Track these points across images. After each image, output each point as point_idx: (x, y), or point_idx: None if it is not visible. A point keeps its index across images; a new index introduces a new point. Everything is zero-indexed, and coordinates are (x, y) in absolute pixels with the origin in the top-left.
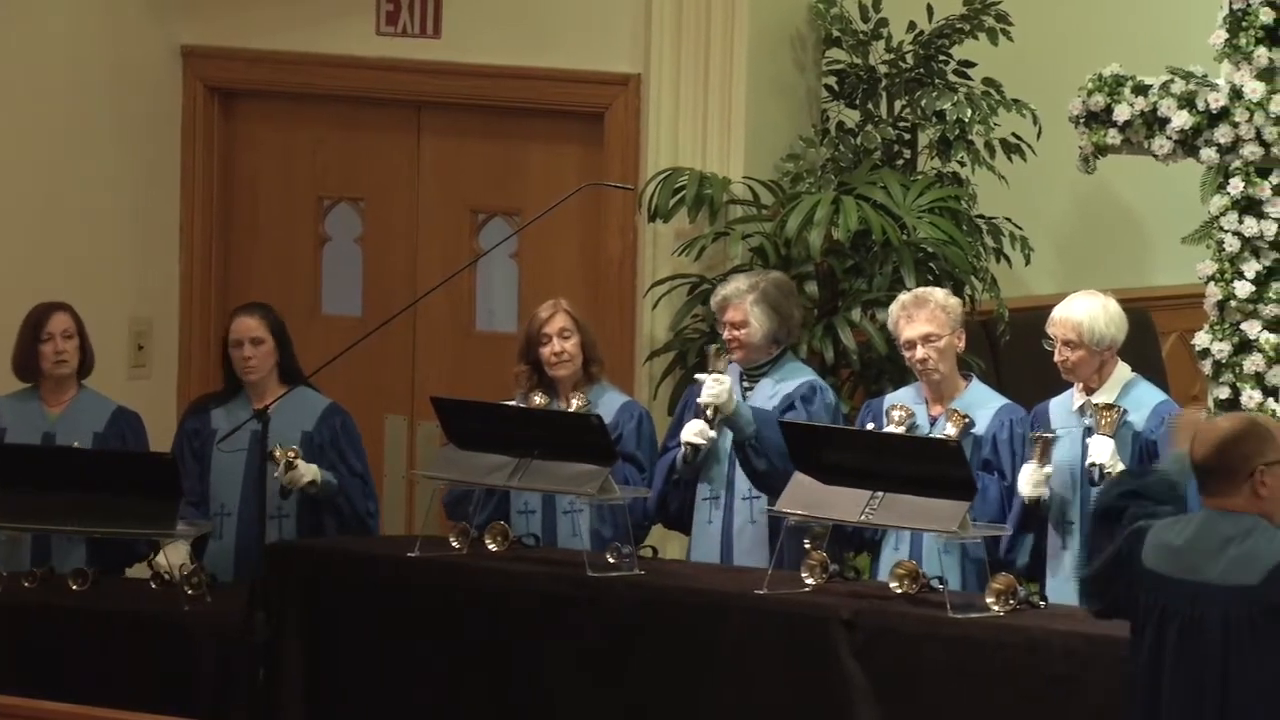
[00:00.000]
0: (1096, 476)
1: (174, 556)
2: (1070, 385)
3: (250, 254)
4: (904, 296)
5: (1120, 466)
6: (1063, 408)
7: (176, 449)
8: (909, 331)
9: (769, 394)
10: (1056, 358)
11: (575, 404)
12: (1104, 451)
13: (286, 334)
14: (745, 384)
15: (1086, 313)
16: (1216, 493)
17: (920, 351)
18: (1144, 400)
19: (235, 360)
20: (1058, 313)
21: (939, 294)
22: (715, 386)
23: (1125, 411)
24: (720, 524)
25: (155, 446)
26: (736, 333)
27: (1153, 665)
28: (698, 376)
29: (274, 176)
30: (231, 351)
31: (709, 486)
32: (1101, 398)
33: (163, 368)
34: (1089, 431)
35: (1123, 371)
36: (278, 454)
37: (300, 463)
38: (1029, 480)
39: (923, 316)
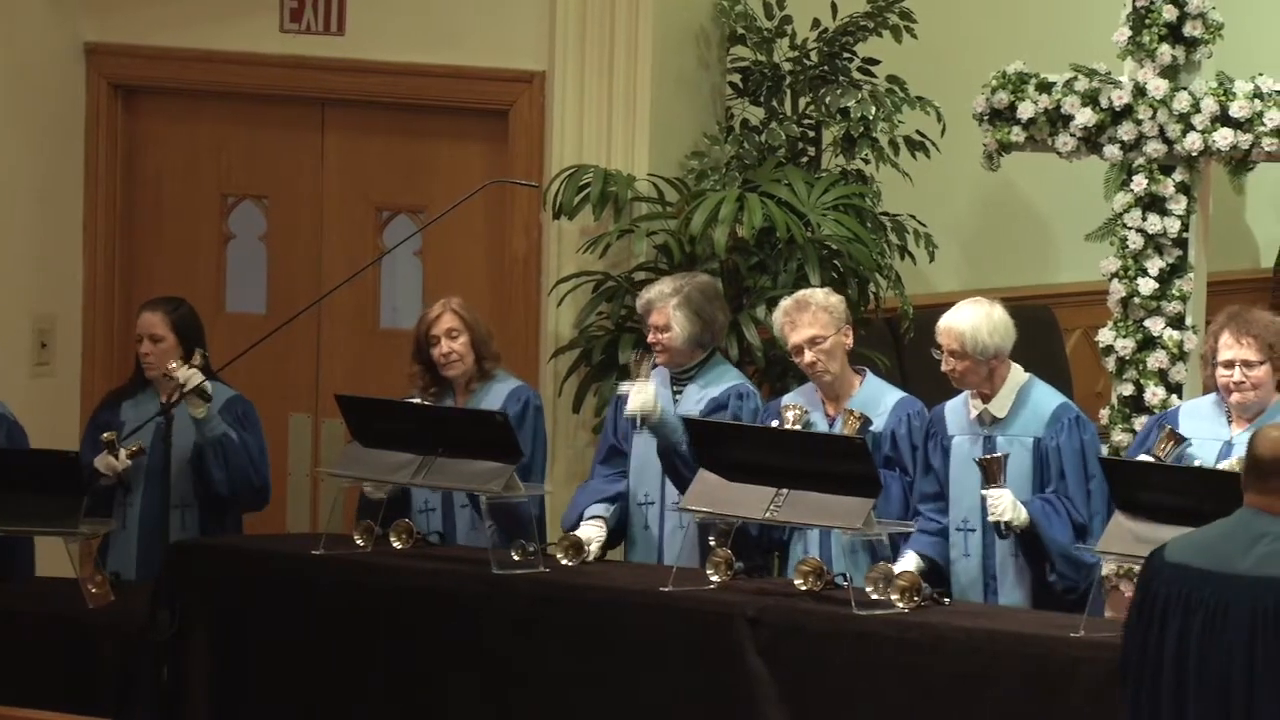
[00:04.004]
0: (1003, 530)
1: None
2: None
3: (154, 251)
4: (785, 302)
5: (1023, 514)
6: (956, 413)
7: (87, 441)
8: (794, 337)
9: (696, 398)
10: (944, 367)
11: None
12: (1004, 507)
13: (194, 330)
14: (675, 388)
15: (969, 322)
16: (1269, 491)
17: (808, 355)
18: (1040, 406)
19: (138, 355)
20: (942, 322)
21: (819, 295)
22: (639, 397)
23: (1007, 457)
24: (656, 530)
25: (58, 444)
26: (660, 336)
27: (1179, 656)
28: (621, 388)
29: (178, 174)
30: (136, 346)
31: (644, 490)
32: (997, 406)
33: (66, 365)
34: (989, 440)
35: (1016, 376)
36: (173, 366)
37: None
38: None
39: (805, 320)
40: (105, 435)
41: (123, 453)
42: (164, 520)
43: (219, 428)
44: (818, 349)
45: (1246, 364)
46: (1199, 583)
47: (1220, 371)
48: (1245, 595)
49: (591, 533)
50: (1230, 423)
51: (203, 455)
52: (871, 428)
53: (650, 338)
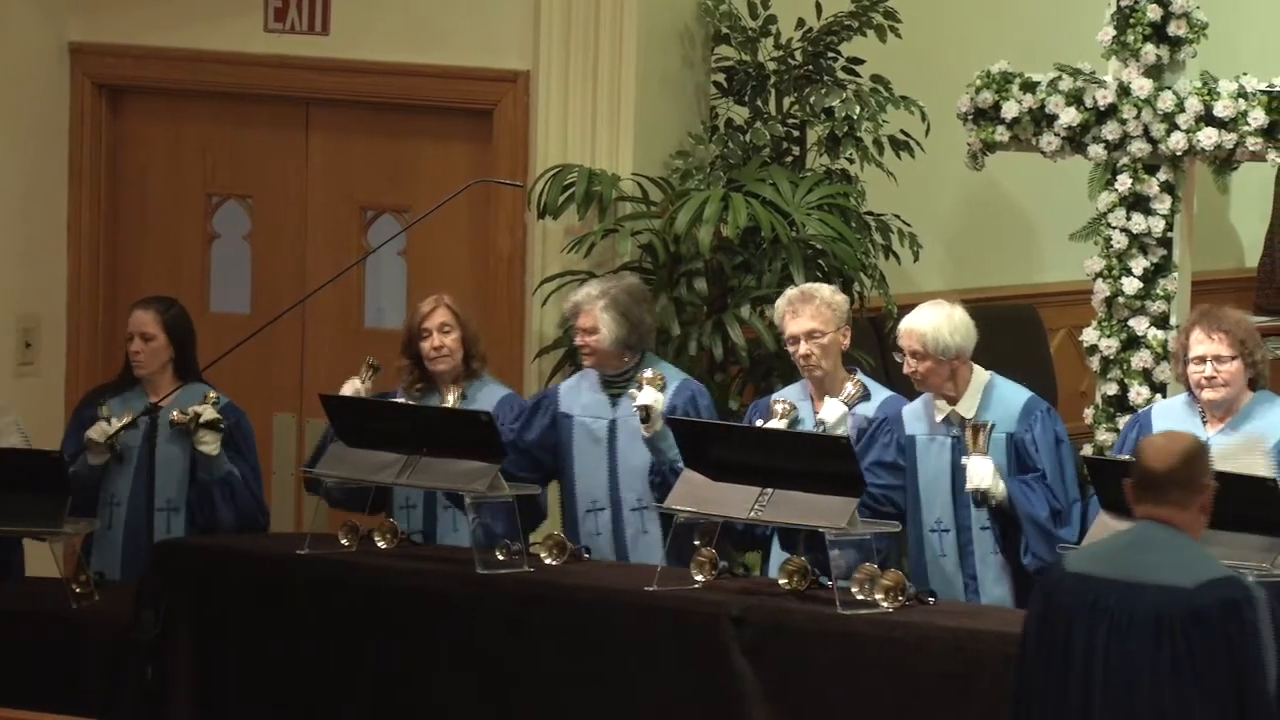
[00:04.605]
0: (979, 500)
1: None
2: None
3: (139, 251)
4: (790, 292)
5: (1002, 486)
6: (916, 415)
7: (70, 435)
8: (793, 327)
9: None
10: (906, 369)
11: (451, 399)
12: (984, 475)
13: (185, 332)
14: (612, 391)
15: (930, 323)
16: (1168, 503)
17: (804, 347)
18: (1009, 402)
19: (128, 352)
20: (903, 324)
21: (825, 291)
22: (649, 393)
23: (994, 426)
24: (610, 535)
25: (43, 444)
26: (587, 339)
27: (1085, 663)
28: (638, 397)
29: (162, 173)
30: (126, 343)
31: (590, 498)
32: (964, 407)
33: (51, 365)
34: (958, 440)
35: (979, 377)
36: (178, 417)
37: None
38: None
39: (807, 313)
40: (101, 407)
41: (115, 421)
42: (149, 520)
43: (224, 465)
44: (814, 342)
45: (1218, 359)
46: (1104, 591)
47: (1192, 368)
48: (1149, 602)
49: None
50: (1205, 423)
51: (209, 494)
52: (855, 410)
53: (577, 340)
